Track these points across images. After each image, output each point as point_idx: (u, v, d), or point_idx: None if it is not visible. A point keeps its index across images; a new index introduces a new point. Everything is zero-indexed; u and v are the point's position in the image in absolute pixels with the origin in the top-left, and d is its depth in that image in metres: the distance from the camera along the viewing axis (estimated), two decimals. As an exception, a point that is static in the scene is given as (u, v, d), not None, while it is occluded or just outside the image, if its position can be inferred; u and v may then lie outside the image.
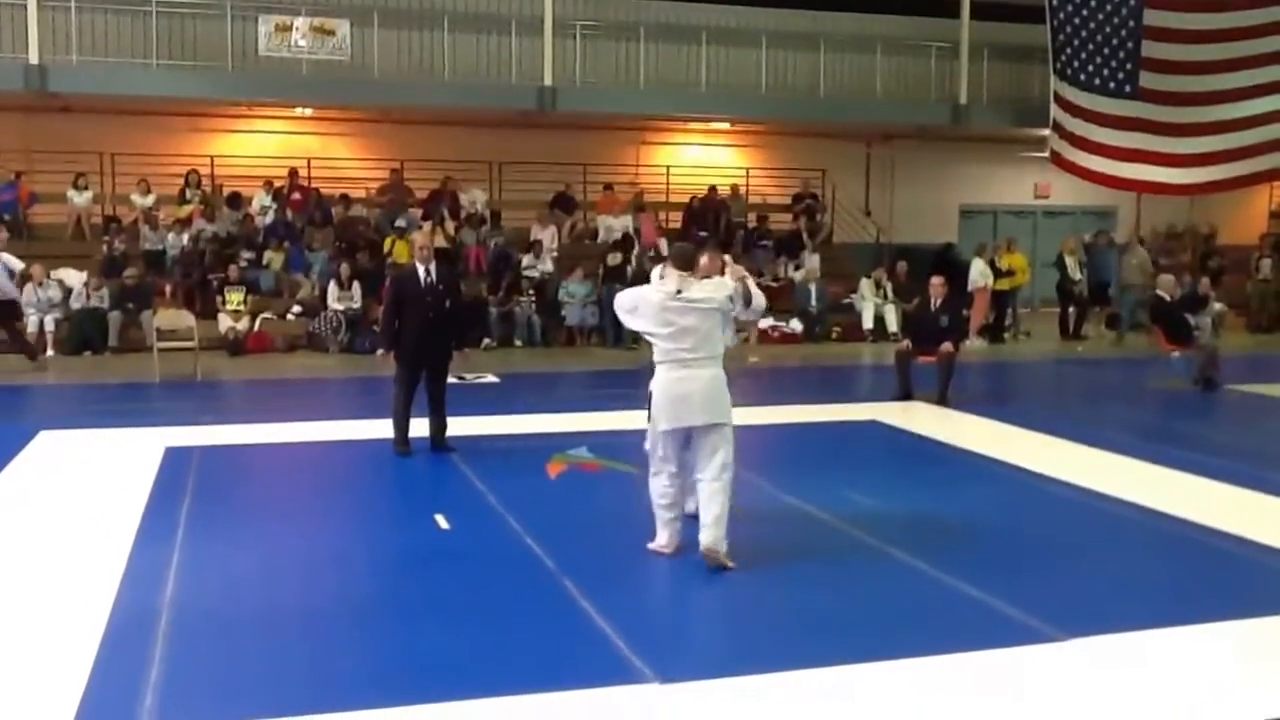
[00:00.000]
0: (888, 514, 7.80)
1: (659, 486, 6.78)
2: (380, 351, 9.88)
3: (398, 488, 8.89)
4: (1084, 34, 20.98)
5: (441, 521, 7.45)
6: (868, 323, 19.76)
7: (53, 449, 9.80)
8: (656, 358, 6.71)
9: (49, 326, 16.52)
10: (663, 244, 19.63)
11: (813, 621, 5.76)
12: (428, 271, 9.55)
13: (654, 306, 6.63)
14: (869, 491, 8.39)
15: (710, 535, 6.50)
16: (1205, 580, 6.55)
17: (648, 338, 6.80)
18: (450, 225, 19.76)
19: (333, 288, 17.67)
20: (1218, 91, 20.98)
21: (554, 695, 4.71)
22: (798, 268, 20.77)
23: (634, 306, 6.82)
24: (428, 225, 18.65)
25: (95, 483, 8.57)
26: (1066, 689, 4.90)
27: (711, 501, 6.53)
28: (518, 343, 18.18)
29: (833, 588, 6.32)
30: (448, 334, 9.72)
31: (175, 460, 9.23)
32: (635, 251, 19.88)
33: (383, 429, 9.69)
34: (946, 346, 12.72)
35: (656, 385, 6.67)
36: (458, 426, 9.88)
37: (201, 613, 5.73)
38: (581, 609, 5.81)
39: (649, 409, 6.82)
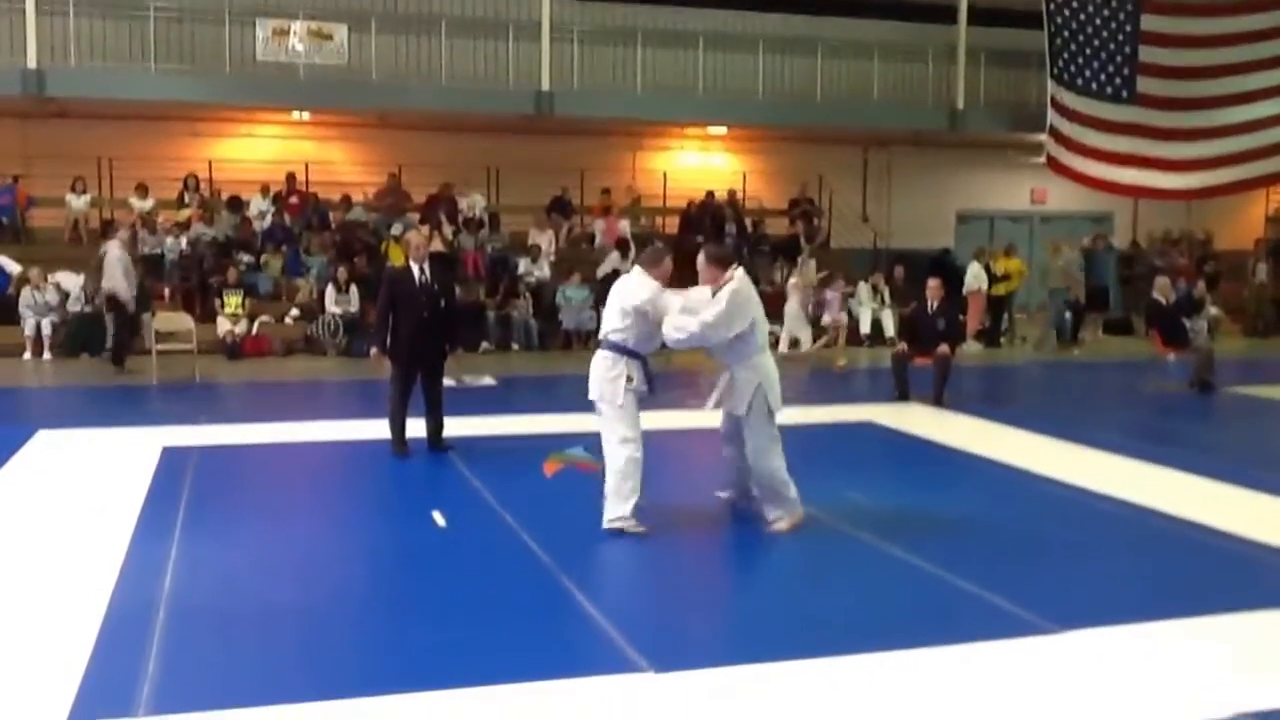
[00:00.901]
0: (883, 511, 7.83)
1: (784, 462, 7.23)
2: (373, 351, 9.85)
3: (395, 486, 8.91)
4: (1081, 39, 21.05)
5: (439, 519, 7.47)
6: (865, 327, 19.79)
7: (51, 448, 9.81)
8: (754, 349, 7.10)
9: (46, 330, 16.55)
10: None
11: (807, 614, 5.79)
12: (422, 271, 9.53)
13: (756, 302, 7.14)
14: (865, 489, 8.41)
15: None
16: (1198, 576, 6.58)
17: (743, 334, 7.07)
18: (448, 229, 19.77)
19: (330, 291, 17.70)
20: (1215, 96, 21.06)
21: (550, 684, 4.73)
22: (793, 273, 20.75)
23: (741, 309, 7.01)
24: (424, 228, 18.65)
25: (93, 481, 8.58)
26: (1060, 680, 4.92)
27: None
28: (515, 346, 18.20)
29: (828, 581, 6.36)
30: (442, 334, 9.70)
31: (173, 460, 9.24)
32: (631, 255, 19.95)
33: (380, 430, 9.70)
34: (943, 349, 12.75)
35: (766, 372, 7.09)
36: (455, 428, 9.89)
37: (198, 606, 5.75)
38: (577, 602, 5.84)
39: (750, 397, 7.06)
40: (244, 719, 4.41)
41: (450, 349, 9.92)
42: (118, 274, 15.31)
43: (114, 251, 15.45)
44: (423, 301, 9.43)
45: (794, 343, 17.77)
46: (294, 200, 20.16)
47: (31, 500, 8.08)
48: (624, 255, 19.76)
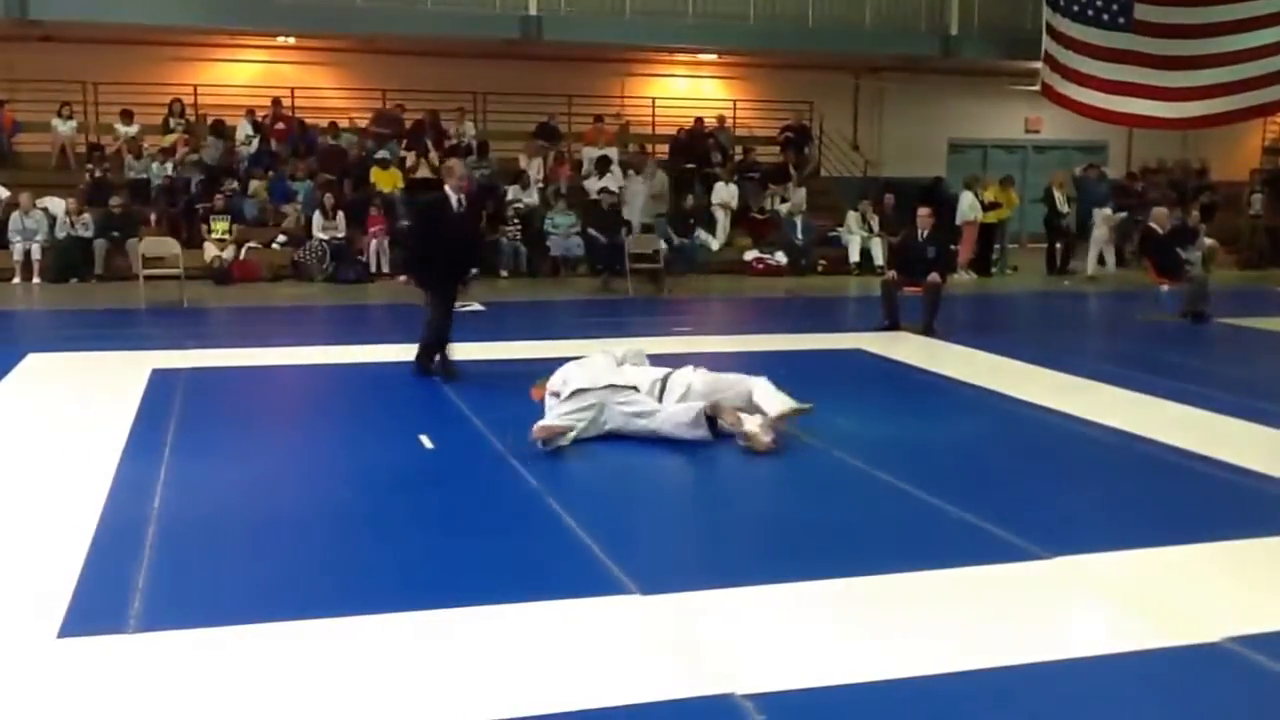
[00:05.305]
0: (872, 437, 7.83)
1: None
2: (403, 277, 9.98)
3: (382, 409, 8.86)
4: (1077, -36, 20.76)
5: (426, 441, 7.46)
6: (854, 256, 19.73)
7: (40, 370, 9.80)
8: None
9: (35, 255, 16.47)
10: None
11: (796, 538, 5.79)
12: (459, 202, 9.72)
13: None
14: (854, 416, 8.38)
15: None
16: (1190, 504, 6.57)
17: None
18: (434, 156, 19.59)
19: (317, 217, 17.58)
20: (1214, 24, 20.76)
21: (537, 604, 4.73)
22: (784, 200, 20.67)
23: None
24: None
25: (82, 402, 8.56)
26: (1052, 606, 4.93)
27: None
28: (503, 273, 18.11)
29: (816, 506, 6.35)
30: (467, 263, 9.96)
31: (162, 381, 9.21)
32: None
33: (368, 354, 9.71)
34: (934, 277, 12.68)
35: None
36: (443, 352, 9.89)
37: (188, 523, 5.75)
38: (564, 524, 5.82)
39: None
40: (235, 635, 4.41)
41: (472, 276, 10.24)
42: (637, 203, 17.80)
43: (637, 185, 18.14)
44: (460, 231, 9.70)
45: (1100, 261, 19.75)
46: (280, 126, 19.97)
47: (20, 421, 8.06)
48: (600, 174, 19.70)
